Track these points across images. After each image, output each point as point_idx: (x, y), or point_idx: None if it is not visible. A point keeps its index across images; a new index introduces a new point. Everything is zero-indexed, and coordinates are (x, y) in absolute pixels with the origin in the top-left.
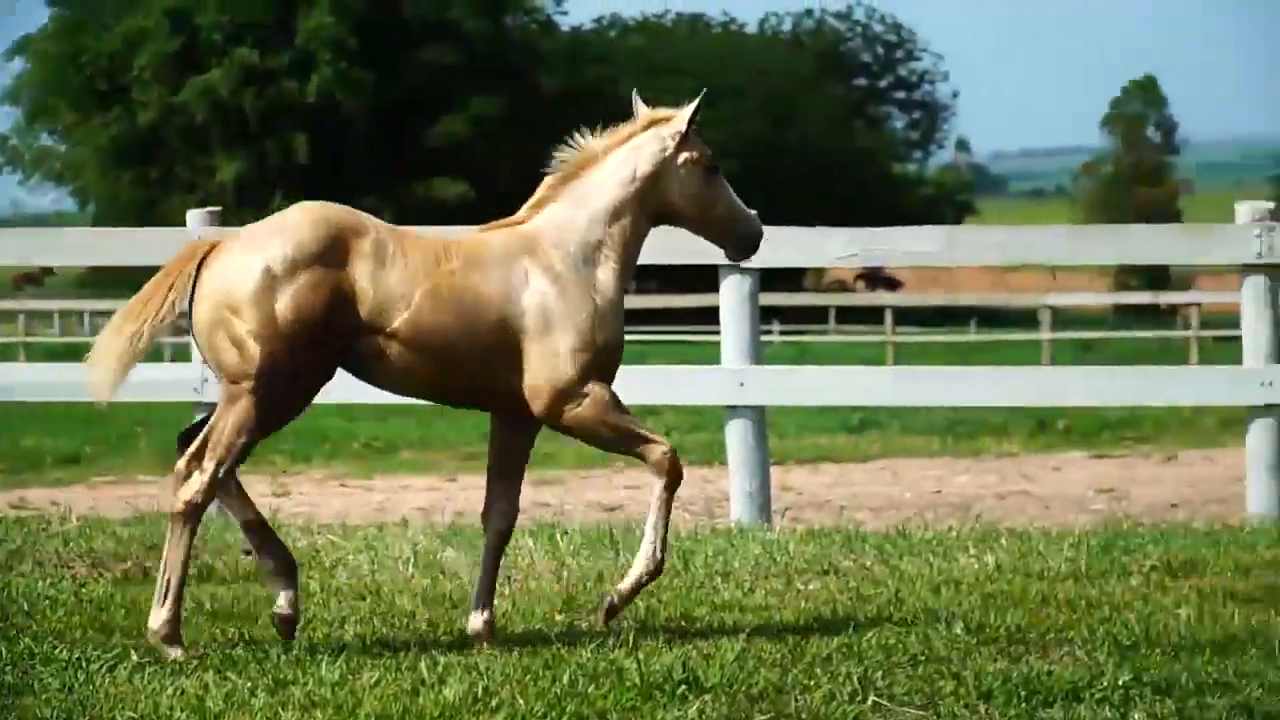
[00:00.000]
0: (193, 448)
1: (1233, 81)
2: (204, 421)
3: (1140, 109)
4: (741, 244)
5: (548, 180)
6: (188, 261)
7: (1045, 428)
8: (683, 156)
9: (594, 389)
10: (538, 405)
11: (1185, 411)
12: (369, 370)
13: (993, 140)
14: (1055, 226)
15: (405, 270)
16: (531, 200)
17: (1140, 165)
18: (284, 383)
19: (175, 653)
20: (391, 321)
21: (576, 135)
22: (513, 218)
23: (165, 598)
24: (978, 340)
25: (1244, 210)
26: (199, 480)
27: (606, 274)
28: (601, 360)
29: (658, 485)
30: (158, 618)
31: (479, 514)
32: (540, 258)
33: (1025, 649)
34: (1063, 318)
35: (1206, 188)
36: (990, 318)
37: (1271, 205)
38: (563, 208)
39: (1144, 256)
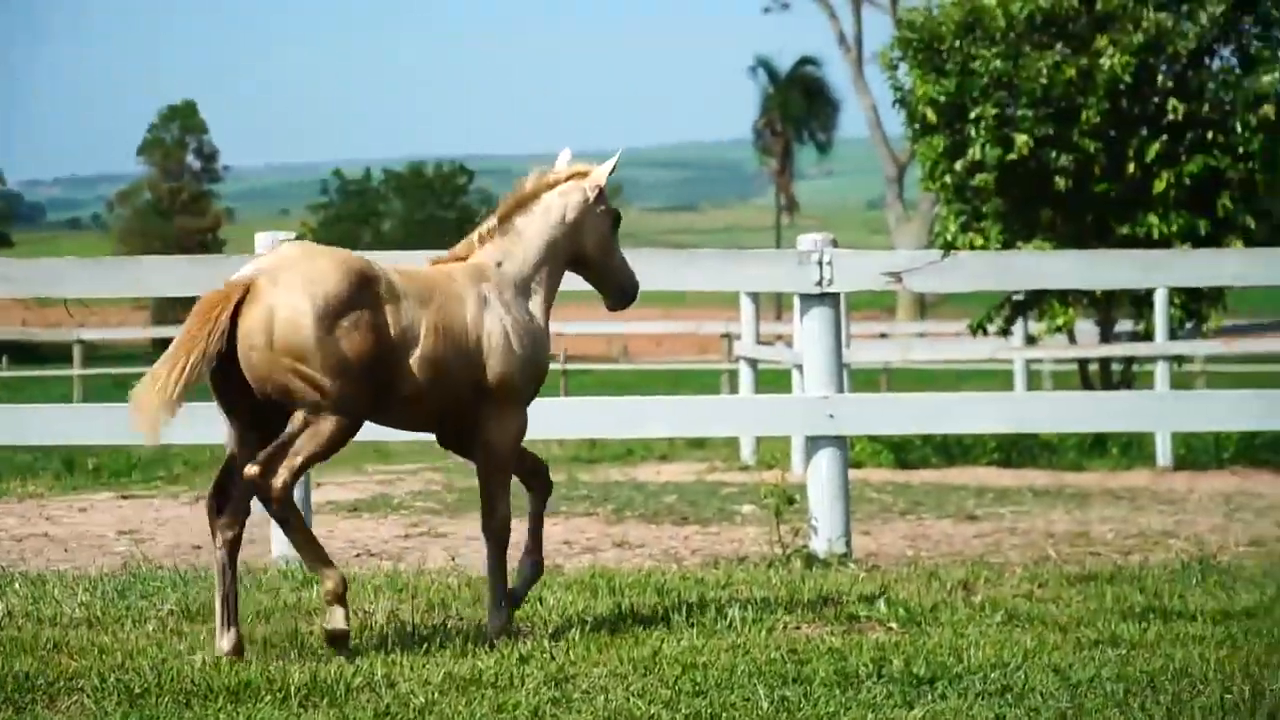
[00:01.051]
0: (260, 456)
1: (273, 110)
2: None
3: (179, 135)
4: (623, 294)
5: (490, 219)
6: (222, 308)
7: (73, 468)
8: (600, 208)
9: (521, 415)
10: (477, 422)
11: None
12: (386, 407)
13: (28, 169)
14: (84, 259)
15: (411, 308)
16: (475, 234)
17: (179, 192)
18: (359, 410)
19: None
20: (410, 356)
21: (524, 178)
22: (456, 251)
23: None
24: (8, 377)
25: (263, 240)
26: (284, 473)
27: (537, 305)
28: (535, 386)
29: (490, 545)
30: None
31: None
32: (490, 286)
33: (34, 697)
34: (97, 353)
35: (250, 215)
36: (23, 353)
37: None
38: (501, 244)
39: (156, 288)
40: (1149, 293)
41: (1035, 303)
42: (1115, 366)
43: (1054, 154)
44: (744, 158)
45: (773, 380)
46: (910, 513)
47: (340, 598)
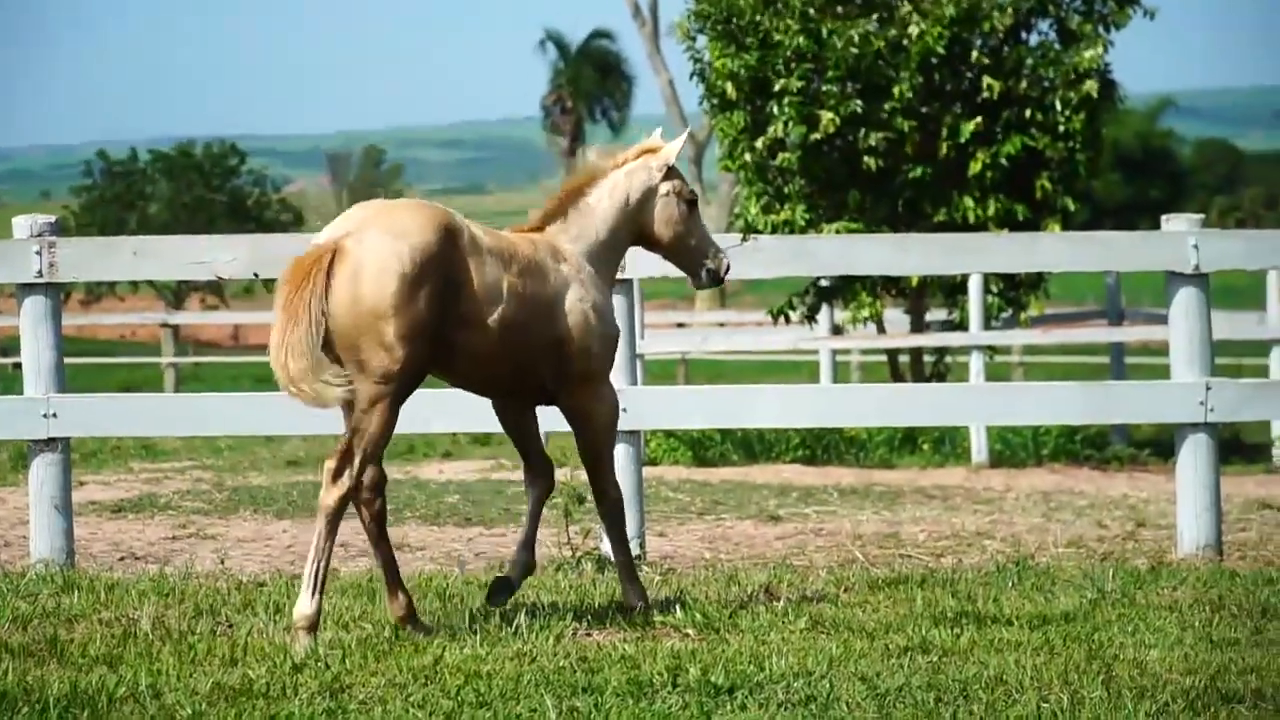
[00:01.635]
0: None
1: (36, 88)
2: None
3: None
4: (708, 276)
5: (557, 194)
6: (316, 270)
7: None
8: (665, 187)
9: (612, 389)
10: (565, 398)
11: None
12: (451, 362)
13: None
14: None
15: (493, 268)
16: (545, 210)
17: None
18: (419, 376)
19: (307, 643)
20: (488, 316)
21: (584, 154)
22: (533, 221)
23: (314, 587)
24: None
25: (21, 224)
26: (348, 477)
27: (603, 281)
28: (612, 359)
29: (608, 527)
30: (308, 605)
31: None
32: (568, 264)
33: None
34: None
35: (10, 198)
36: None
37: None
38: (574, 220)
39: None
40: (964, 280)
41: (842, 290)
42: (927, 358)
43: (862, 132)
44: (533, 137)
45: None
46: (709, 513)
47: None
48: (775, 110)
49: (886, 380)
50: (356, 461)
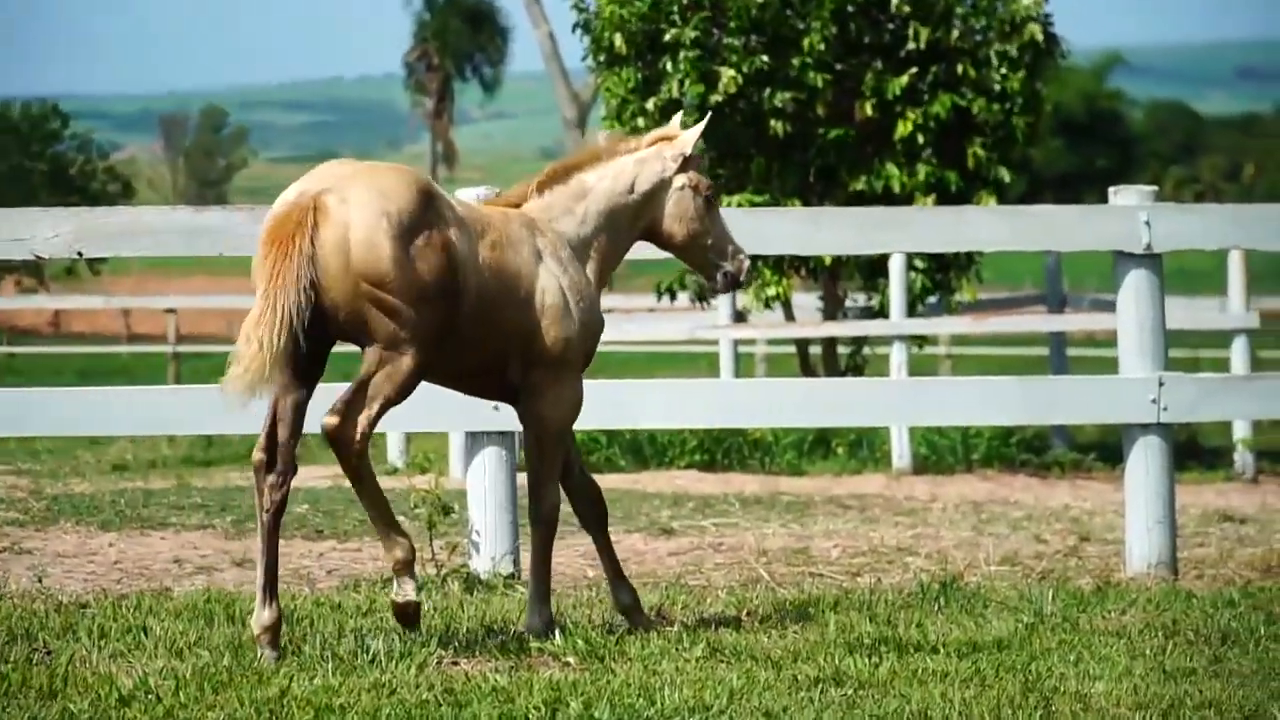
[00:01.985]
0: (340, 398)
1: None
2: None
3: None
4: (724, 280)
5: (552, 166)
6: (299, 233)
7: None
8: (680, 180)
9: (576, 387)
10: (525, 388)
11: None
12: (440, 344)
13: None
14: None
15: (470, 236)
16: (533, 181)
17: None
18: (431, 343)
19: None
20: (469, 286)
21: (597, 134)
22: (511, 195)
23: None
24: None
25: None
26: (363, 422)
27: (592, 271)
28: (589, 358)
29: (535, 534)
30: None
31: None
32: (546, 242)
33: None
34: None
35: None
36: None
37: None
38: (561, 198)
39: None
40: (884, 259)
41: None
42: (843, 349)
43: (768, 91)
44: (394, 97)
45: None
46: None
47: (409, 567)
48: (669, 67)
49: (796, 374)
50: (360, 425)
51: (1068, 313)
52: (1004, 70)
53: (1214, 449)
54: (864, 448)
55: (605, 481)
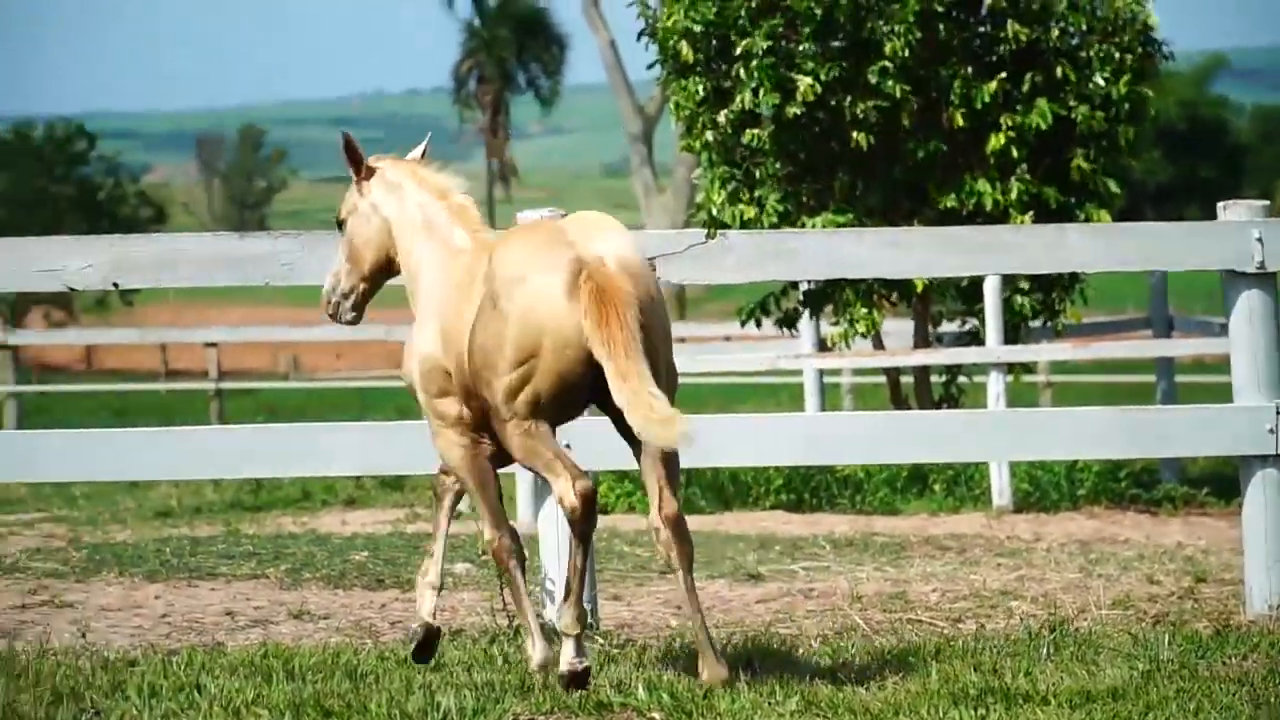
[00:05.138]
0: None
1: None
2: None
3: None
4: None
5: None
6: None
7: None
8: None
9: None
10: None
11: None
12: None
13: None
14: None
15: None
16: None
17: None
18: None
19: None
20: None
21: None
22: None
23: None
24: None
25: None
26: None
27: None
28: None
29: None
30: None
31: None
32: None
33: None
34: None
35: None
36: None
37: None
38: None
39: None
40: (979, 280)
41: (830, 297)
42: (936, 378)
43: (848, 101)
44: (442, 113)
45: None
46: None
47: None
48: (741, 75)
49: (886, 406)
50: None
51: (1175, 336)
52: (1108, 74)
53: None
54: (962, 485)
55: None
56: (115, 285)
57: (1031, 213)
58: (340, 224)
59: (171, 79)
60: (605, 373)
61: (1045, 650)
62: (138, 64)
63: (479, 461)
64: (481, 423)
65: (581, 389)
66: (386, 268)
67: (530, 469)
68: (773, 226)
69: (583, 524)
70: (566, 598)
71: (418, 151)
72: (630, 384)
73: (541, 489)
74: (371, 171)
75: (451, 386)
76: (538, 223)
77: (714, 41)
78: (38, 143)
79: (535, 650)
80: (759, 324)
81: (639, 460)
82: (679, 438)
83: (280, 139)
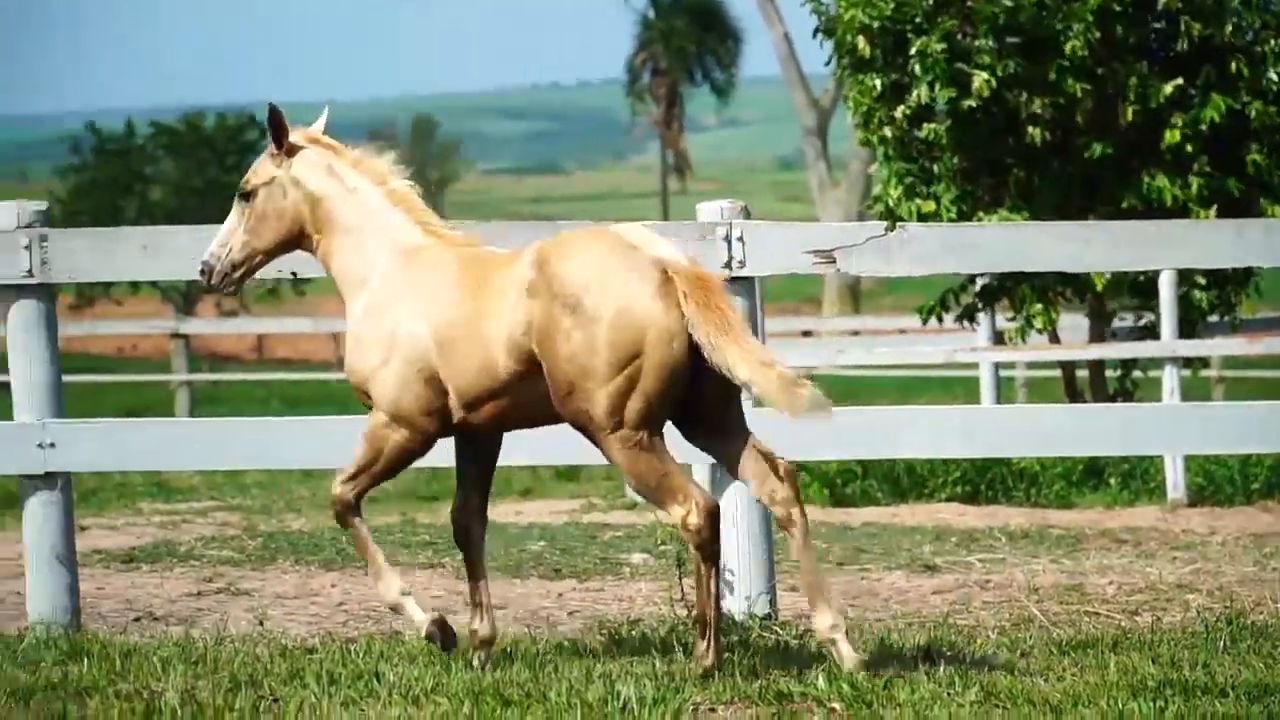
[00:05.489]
0: None
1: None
2: None
3: None
4: None
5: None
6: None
7: None
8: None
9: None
10: None
11: None
12: None
13: None
14: None
15: None
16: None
17: None
18: None
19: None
20: None
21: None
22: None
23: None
24: None
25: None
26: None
27: None
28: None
29: None
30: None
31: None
32: None
33: None
34: None
35: None
36: None
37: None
38: None
39: None
40: (1154, 277)
41: (1008, 292)
42: (1111, 372)
43: (1025, 96)
44: (615, 105)
45: None
46: (851, 562)
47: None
48: (918, 70)
49: (1061, 399)
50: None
51: None
52: None
53: None
54: (1137, 478)
55: (861, 515)
56: (293, 274)
57: (1215, 206)
58: (247, 195)
59: (338, 71)
60: (719, 357)
61: (1222, 643)
62: (307, 55)
63: (401, 455)
64: (440, 429)
65: (679, 389)
66: (293, 244)
67: (639, 493)
68: (950, 222)
69: (711, 544)
70: (702, 635)
71: (319, 125)
72: (753, 356)
73: (721, 476)
74: (295, 148)
75: (430, 390)
76: (581, 231)
77: (890, 37)
78: (209, 132)
79: (389, 584)
80: (940, 320)
81: (722, 460)
82: (810, 401)
83: (452, 130)
